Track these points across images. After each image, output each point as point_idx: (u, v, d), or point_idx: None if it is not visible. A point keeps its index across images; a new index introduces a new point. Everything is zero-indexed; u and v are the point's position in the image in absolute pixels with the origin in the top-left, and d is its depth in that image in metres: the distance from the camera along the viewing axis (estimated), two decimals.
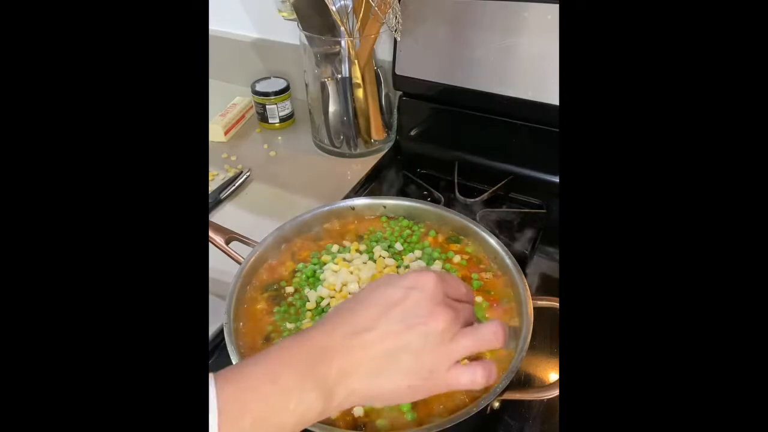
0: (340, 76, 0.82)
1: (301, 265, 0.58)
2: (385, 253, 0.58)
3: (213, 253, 0.54)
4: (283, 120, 0.97)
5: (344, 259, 0.58)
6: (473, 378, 0.37)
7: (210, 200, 0.79)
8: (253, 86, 0.95)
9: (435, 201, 0.74)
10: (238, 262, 0.57)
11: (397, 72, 0.82)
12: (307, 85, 0.88)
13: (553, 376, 0.55)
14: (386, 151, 0.89)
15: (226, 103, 0.98)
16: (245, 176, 0.83)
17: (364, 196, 0.76)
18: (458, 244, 0.60)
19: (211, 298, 0.58)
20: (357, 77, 0.82)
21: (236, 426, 0.32)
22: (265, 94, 0.94)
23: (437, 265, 0.57)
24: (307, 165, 0.89)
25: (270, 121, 0.96)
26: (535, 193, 0.77)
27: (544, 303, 0.51)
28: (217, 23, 1.07)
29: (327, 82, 0.83)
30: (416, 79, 0.82)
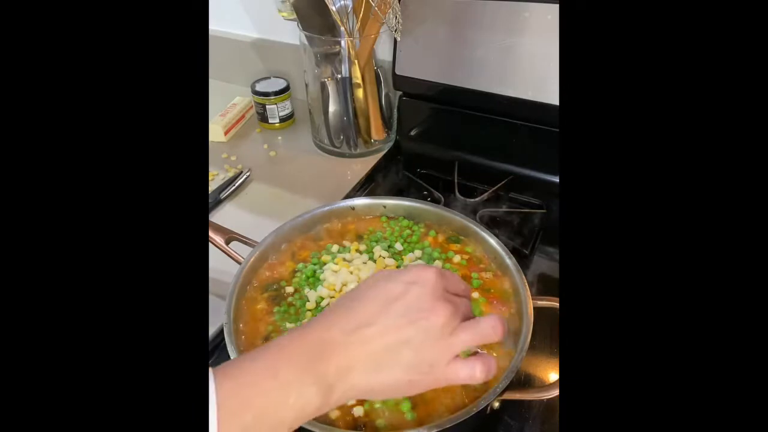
0: (340, 76, 0.82)
1: (301, 265, 0.58)
2: (385, 253, 0.58)
3: (213, 253, 0.54)
4: (283, 120, 0.97)
5: (344, 259, 0.58)
6: (472, 372, 0.37)
7: (210, 200, 0.79)
8: (253, 86, 0.95)
9: (435, 201, 0.74)
10: (238, 262, 0.57)
11: (397, 72, 0.82)
12: (307, 85, 0.88)
13: (553, 376, 0.55)
14: (386, 151, 0.89)
15: (226, 103, 0.98)
16: (245, 176, 0.83)
17: (364, 196, 0.76)
18: (458, 244, 0.60)
19: (211, 298, 0.58)
20: (357, 77, 0.82)
21: (237, 421, 0.32)
22: (265, 94, 0.94)
23: (437, 265, 0.57)
24: (307, 165, 0.89)
25: (270, 121, 0.96)
26: (535, 193, 0.77)
27: (544, 303, 0.51)
28: (217, 23, 1.07)
29: (327, 82, 0.83)
30: (416, 79, 0.82)
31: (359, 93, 0.83)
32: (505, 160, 0.80)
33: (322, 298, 0.54)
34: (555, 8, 0.68)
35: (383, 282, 0.39)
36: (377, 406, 0.45)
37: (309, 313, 0.53)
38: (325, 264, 0.57)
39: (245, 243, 0.59)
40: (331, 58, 0.81)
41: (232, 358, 0.47)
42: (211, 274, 0.59)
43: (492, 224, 0.70)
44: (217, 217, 0.77)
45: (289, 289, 0.55)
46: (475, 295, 0.53)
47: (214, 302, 0.55)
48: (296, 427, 0.35)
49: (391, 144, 0.90)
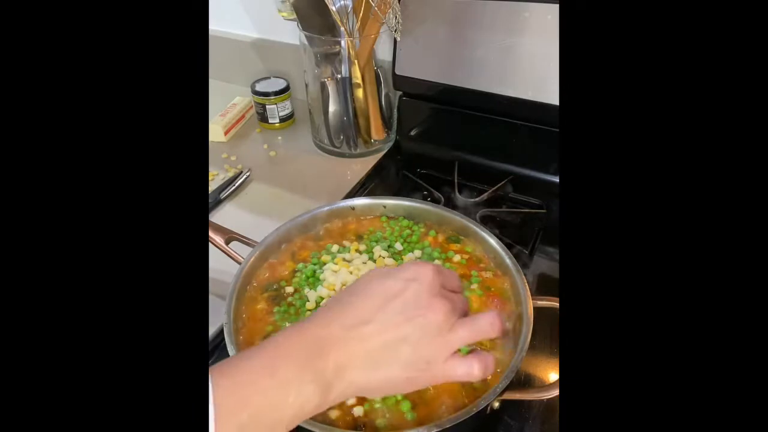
0: (340, 76, 0.82)
1: (301, 265, 0.58)
2: (384, 253, 0.58)
3: (213, 253, 0.54)
4: (283, 120, 0.97)
5: (344, 259, 0.58)
6: (470, 369, 0.37)
7: (210, 200, 0.79)
8: (253, 86, 0.95)
9: (435, 201, 0.74)
10: (238, 262, 0.57)
11: (397, 72, 0.83)
12: (307, 85, 0.88)
13: (553, 376, 0.55)
14: (386, 151, 0.89)
15: (226, 103, 0.98)
16: (245, 176, 0.83)
17: (364, 196, 0.76)
18: (458, 244, 0.60)
19: (211, 298, 0.58)
20: (357, 77, 0.82)
21: (234, 420, 0.31)
22: (265, 94, 0.94)
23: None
24: (307, 165, 0.89)
25: (270, 121, 0.96)
26: (535, 193, 0.77)
27: (544, 303, 0.51)
28: (217, 23, 1.07)
29: (327, 82, 0.83)
30: (416, 79, 0.82)
31: (359, 93, 0.83)
32: (505, 160, 0.80)
33: (322, 298, 0.54)
34: (555, 8, 0.68)
35: (381, 279, 0.39)
36: (377, 406, 0.45)
37: (309, 313, 0.53)
38: (325, 264, 0.57)
39: (245, 243, 0.59)
40: (331, 58, 0.81)
41: None
42: (211, 274, 0.59)
43: (492, 224, 0.70)
44: (217, 217, 0.77)
45: (289, 289, 0.55)
46: (474, 286, 0.54)
47: (214, 302, 0.55)
48: (294, 426, 0.35)
49: (391, 144, 0.90)
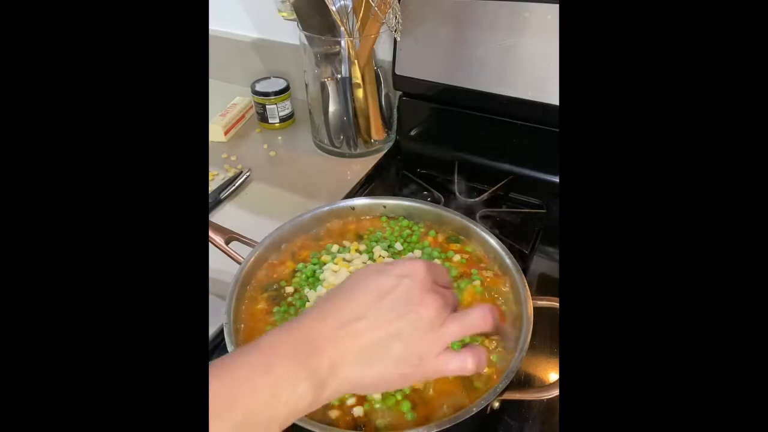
0: (340, 76, 0.82)
1: (301, 265, 0.58)
2: (384, 253, 0.58)
3: (213, 253, 0.54)
4: (283, 120, 0.97)
5: (344, 259, 0.58)
6: (463, 364, 0.37)
7: (210, 200, 0.79)
8: (253, 86, 0.95)
9: (435, 201, 0.74)
10: (238, 262, 0.57)
11: (397, 72, 0.83)
12: (307, 85, 0.88)
13: (553, 376, 0.55)
14: (386, 151, 0.89)
15: (226, 103, 0.98)
16: (245, 176, 0.83)
17: (364, 196, 0.76)
18: (458, 244, 0.60)
19: (211, 298, 0.58)
20: (357, 77, 0.82)
21: (227, 418, 0.31)
22: (265, 94, 0.94)
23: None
24: (307, 165, 0.89)
25: (270, 121, 0.96)
26: (535, 193, 0.77)
27: (544, 303, 0.51)
28: (217, 23, 1.07)
29: (327, 82, 0.83)
30: (416, 79, 0.82)
31: (359, 93, 0.83)
32: (505, 160, 0.80)
33: None
34: (555, 8, 0.68)
35: (375, 274, 0.39)
36: (377, 406, 0.45)
37: None
38: (324, 264, 0.57)
39: (245, 243, 0.59)
40: (331, 58, 0.81)
41: None
42: (211, 274, 0.59)
43: (492, 224, 0.70)
44: (217, 217, 0.77)
45: (289, 289, 0.55)
46: (476, 282, 0.54)
47: (214, 302, 0.55)
48: (288, 424, 0.35)
49: (391, 144, 0.90)
